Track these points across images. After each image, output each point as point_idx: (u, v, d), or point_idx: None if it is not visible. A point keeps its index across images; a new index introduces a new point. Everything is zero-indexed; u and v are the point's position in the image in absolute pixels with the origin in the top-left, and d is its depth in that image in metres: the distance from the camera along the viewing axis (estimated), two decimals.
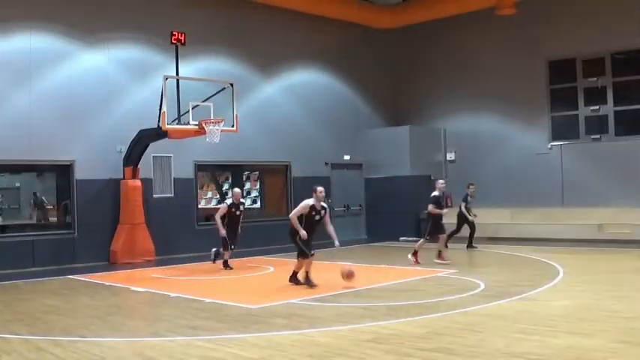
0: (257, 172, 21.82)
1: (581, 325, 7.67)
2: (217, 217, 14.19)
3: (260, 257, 16.86)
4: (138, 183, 16.56)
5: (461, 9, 20.58)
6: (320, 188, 11.78)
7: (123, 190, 16.55)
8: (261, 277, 13.39)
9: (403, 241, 20.77)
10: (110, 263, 16.26)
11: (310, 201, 11.59)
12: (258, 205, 21.89)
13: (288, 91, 20.88)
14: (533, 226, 19.63)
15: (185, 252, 17.62)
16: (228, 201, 14.44)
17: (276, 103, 20.48)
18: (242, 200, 14.63)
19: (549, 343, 6.82)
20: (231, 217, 14.28)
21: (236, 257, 16.96)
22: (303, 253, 11.39)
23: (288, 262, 15.68)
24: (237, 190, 14.68)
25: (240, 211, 14.40)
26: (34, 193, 18.08)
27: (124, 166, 16.63)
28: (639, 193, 18.37)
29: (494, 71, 21.45)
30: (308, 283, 11.38)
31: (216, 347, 7.16)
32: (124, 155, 16.65)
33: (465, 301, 9.56)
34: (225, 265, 14.58)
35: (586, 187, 19.34)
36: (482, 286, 10.82)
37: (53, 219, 17.51)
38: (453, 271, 12.86)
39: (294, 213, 11.59)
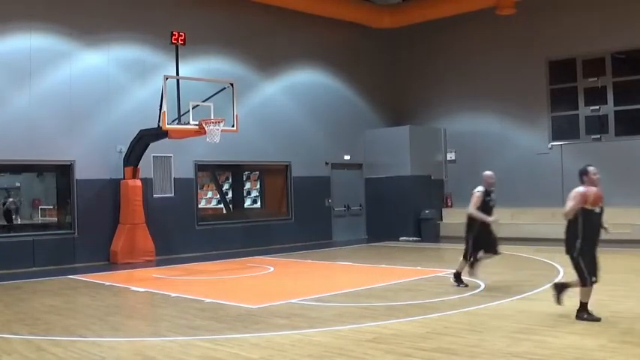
0: (257, 172, 21.84)
1: (581, 325, 7.67)
2: (473, 210, 10.95)
3: (260, 257, 16.85)
4: (138, 183, 16.56)
5: (461, 9, 20.57)
6: (490, 173, 11.01)
7: (123, 190, 16.55)
8: (261, 277, 13.39)
9: (403, 241, 20.79)
10: (110, 263, 16.25)
11: (480, 188, 10.85)
12: (258, 204, 21.92)
13: (288, 91, 20.87)
14: (533, 226, 19.62)
15: (185, 252, 17.64)
16: (480, 188, 11.03)
17: (276, 103, 20.48)
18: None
19: (549, 343, 6.82)
20: (484, 209, 11.01)
21: (236, 257, 17.01)
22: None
23: (288, 262, 15.73)
24: (489, 172, 11.30)
25: (494, 200, 11.19)
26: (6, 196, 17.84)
27: (124, 166, 16.63)
28: (639, 193, 18.37)
29: (494, 71, 21.45)
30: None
31: (216, 347, 7.16)
32: (124, 155, 16.65)
33: (465, 300, 9.57)
34: (459, 279, 11.06)
35: None
36: (483, 285, 10.83)
37: (40, 220, 17.43)
38: (453, 271, 12.83)
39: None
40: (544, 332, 7.34)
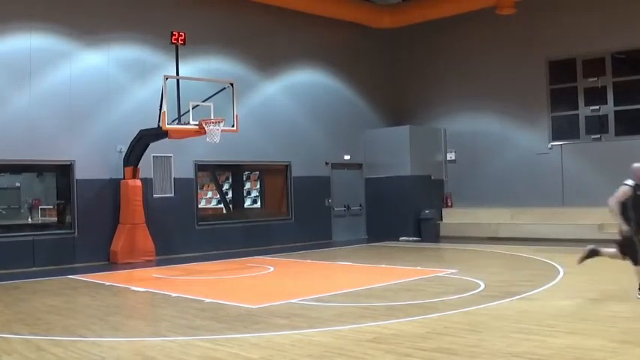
0: (257, 172, 21.84)
1: (581, 325, 7.67)
2: (614, 204, 9.54)
3: (260, 257, 16.85)
4: (138, 183, 16.56)
5: (461, 9, 20.57)
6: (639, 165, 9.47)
7: (123, 190, 16.55)
8: (261, 277, 13.39)
9: (403, 241, 20.78)
10: (110, 263, 16.26)
11: (629, 181, 9.48)
12: (258, 205, 21.92)
13: (288, 91, 20.88)
14: (533, 226, 19.64)
15: (185, 252, 17.64)
16: (629, 181, 9.66)
17: (276, 103, 20.49)
18: None
19: (549, 343, 6.82)
20: (636, 204, 9.52)
21: (236, 257, 17.01)
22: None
23: (288, 262, 15.74)
24: (638, 165, 9.75)
25: None
26: None
27: (124, 166, 16.63)
28: None
29: (494, 71, 21.46)
30: None
31: (216, 347, 7.16)
32: (124, 155, 16.65)
33: (465, 300, 9.56)
34: None
35: (586, 187, 19.33)
36: (483, 285, 10.83)
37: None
38: (453, 271, 12.86)
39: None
40: (544, 332, 7.33)
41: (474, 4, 20.17)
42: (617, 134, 19.25)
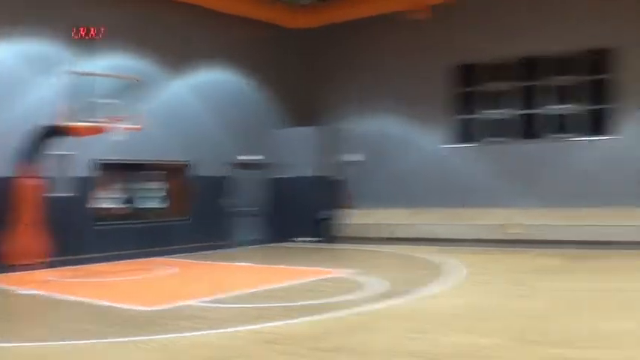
0: (160, 172, 21.45)
1: (477, 324, 7.88)
2: None
3: (160, 258, 16.61)
4: (36, 182, 15.99)
5: (375, 11, 20.85)
6: None
7: (19, 189, 15.94)
8: (161, 279, 13.20)
9: (303, 241, 20.88)
10: (2, 265, 15.63)
11: None
12: (160, 204, 21.54)
13: (195, 90, 20.59)
14: (434, 226, 20.08)
15: (83, 253, 17.15)
16: None
17: (182, 102, 20.18)
18: None
19: (443, 342, 6.99)
20: None
21: (136, 258, 16.69)
22: None
23: (189, 264, 15.59)
24: None
25: None
26: None
27: (21, 164, 16.03)
28: (538, 194, 19.07)
29: (403, 73, 21.78)
30: None
31: (112, 351, 7.01)
32: (21, 153, 16.03)
33: (361, 301, 9.67)
34: None
35: (487, 188, 19.93)
36: (380, 285, 11.00)
37: None
38: (351, 271, 13.02)
39: None
40: (438, 331, 7.52)
41: (387, 6, 20.42)
42: (517, 137, 19.92)
